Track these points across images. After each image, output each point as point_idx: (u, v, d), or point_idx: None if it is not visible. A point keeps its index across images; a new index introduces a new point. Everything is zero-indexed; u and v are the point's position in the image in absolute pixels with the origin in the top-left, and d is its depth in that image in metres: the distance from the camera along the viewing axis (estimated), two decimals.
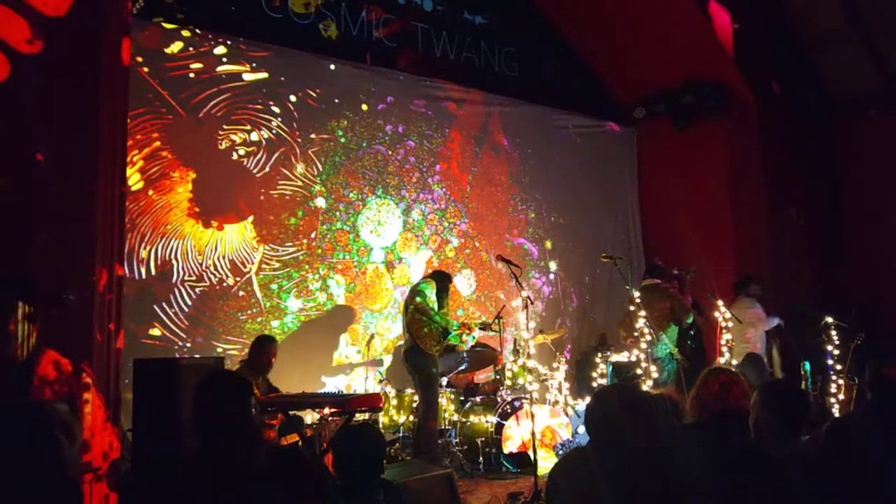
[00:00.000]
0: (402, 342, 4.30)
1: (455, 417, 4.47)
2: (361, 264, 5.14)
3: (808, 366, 5.05)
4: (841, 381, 5.09)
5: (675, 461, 1.45)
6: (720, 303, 4.90)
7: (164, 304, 4.19)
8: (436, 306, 4.17)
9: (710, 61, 5.96)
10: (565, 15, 6.39)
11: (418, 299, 4.04)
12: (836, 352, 5.06)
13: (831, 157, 6.64)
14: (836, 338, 5.07)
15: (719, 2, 5.85)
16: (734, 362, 4.92)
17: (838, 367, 5.09)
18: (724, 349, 4.88)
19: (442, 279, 4.33)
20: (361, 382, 4.74)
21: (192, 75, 4.39)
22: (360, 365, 4.86)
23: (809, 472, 1.66)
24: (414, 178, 5.51)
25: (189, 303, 4.28)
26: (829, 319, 5.04)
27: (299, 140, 4.87)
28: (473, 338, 4.47)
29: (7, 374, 2.84)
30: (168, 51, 4.29)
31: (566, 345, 6.10)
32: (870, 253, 6.19)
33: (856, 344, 5.10)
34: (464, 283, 5.70)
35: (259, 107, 4.68)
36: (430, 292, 4.14)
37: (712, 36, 5.85)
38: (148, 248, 4.17)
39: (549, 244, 6.32)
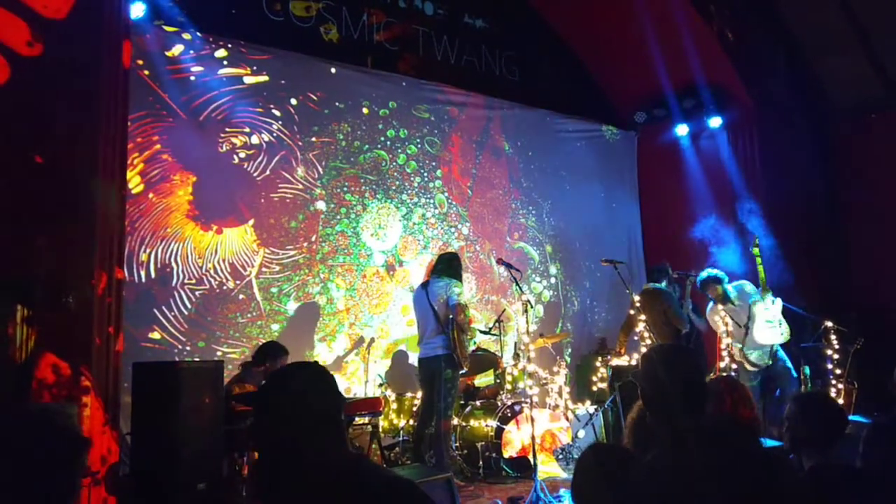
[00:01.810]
0: (424, 341, 4.02)
1: (455, 421, 4.46)
2: (362, 267, 5.13)
3: (807, 370, 5.03)
4: (841, 386, 5.08)
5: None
6: (720, 307, 4.89)
7: (163, 307, 4.18)
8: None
9: (709, 65, 5.97)
10: (565, 19, 6.40)
11: (461, 316, 3.83)
12: (836, 356, 5.05)
13: (831, 161, 6.65)
14: (835, 342, 5.06)
15: (720, 8, 5.87)
16: (734, 366, 4.90)
17: (838, 371, 5.08)
18: (724, 353, 4.87)
19: (460, 272, 4.08)
20: (361, 386, 4.73)
21: (192, 78, 4.39)
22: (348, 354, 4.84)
23: (851, 482, 1.64)
24: (414, 181, 5.51)
25: (189, 306, 4.27)
26: (829, 323, 5.03)
27: (300, 143, 4.87)
28: (474, 342, 4.43)
29: (5, 377, 2.83)
30: (169, 54, 4.30)
31: (566, 349, 6.09)
32: (870, 257, 6.19)
33: (856, 348, 5.09)
34: (464, 286, 5.69)
35: (260, 110, 4.68)
36: (463, 297, 3.97)
37: (712, 40, 5.87)
38: (148, 251, 4.16)
39: (549, 248, 6.32)
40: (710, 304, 4.86)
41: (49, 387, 2.91)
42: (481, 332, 5.04)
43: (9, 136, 3.00)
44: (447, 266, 4.07)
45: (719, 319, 4.82)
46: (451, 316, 3.87)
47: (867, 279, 6.13)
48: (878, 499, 1.61)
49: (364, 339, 5.00)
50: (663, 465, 1.35)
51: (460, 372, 4.01)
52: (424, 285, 4.10)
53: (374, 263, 5.21)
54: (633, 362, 5.12)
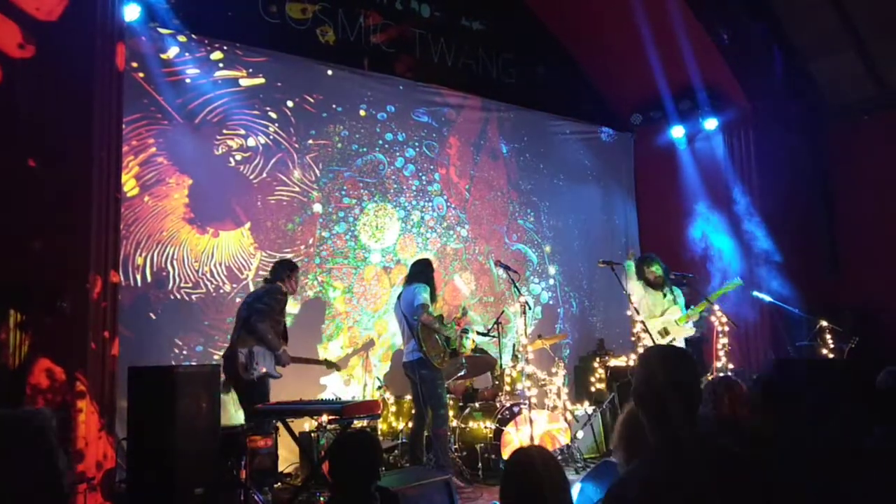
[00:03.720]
0: (403, 348, 4.21)
1: (454, 423, 4.45)
2: (359, 268, 5.11)
3: None
4: None
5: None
6: (717, 307, 4.91)
7: (160, 311, 4.14)
8: (434, 311, 4.12)
9: (705, 67, 6.00)
10: (562, 21, 6.42)
11: (424, 315, 3.93)
12: (831, 355, 5.08)
13: (825, 161, 6.70)
14: (830, 341, 5.09)
15: (716, 9, 5.90)
16: (731, 366, 4.91)
17: None
18: (721, 353, 4.88)
19: (429, 275, 4.15)
20: (360, 388, 4.71)
21: (188, 81, 4.37)
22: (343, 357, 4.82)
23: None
24: (412, 183, 5.50)
25: (185, 309, 4.24)
26: (824, 323, 5.06)
27: (296, 146, 4.85)
28: (469, 339, 4.44)
29: None
30: (164, 56, 4.27)
31: (565, 350, 6.09)
32: (864, 256, 6.22)
33: (850, 347, 5.12)
34: (463, 287, 5.68)
35: (256, 112, 4.66)
36: (429, 299, 4.05)
37: (708, 42, 5.90)
38: (143, 254, 4.13)
39: (548, 249, 6.33)
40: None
41: (43, 392, 2.88)
42: (480, 333, 5.03)
43: (1, 139, 2.97)
44: (417, 272, 4.18)
45: (715, 320, 4.82)
46: (415, 317, 3.91)
47: (861, 278, 6.16)
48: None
49: (363, 341, 4.99)
50: (652, 470, 1.34)
51: (440, 372, 4.01)
52: (399, 295, 4.21)
53: (372, 265, 5.19)
54: (631, 363, 5.12)
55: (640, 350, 4.51)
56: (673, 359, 1.48)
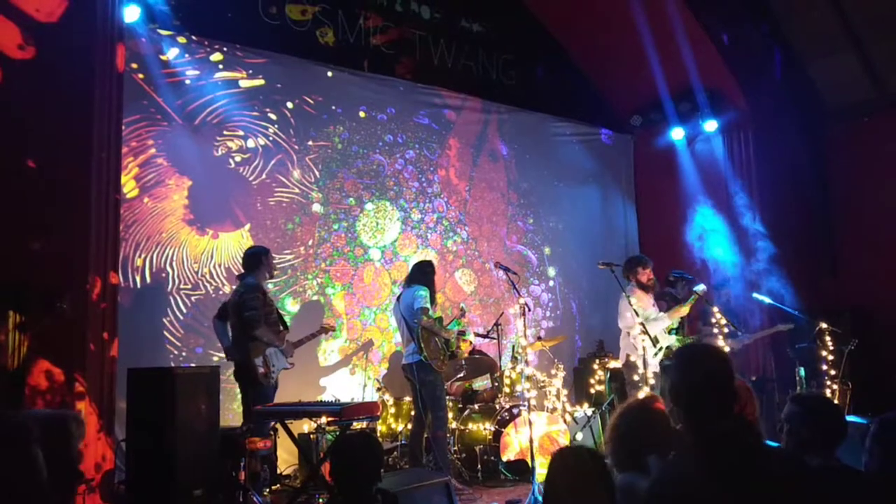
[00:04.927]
0: (403, 350, 4.22)
1: (453, 425, 4.45)
2: (359, 266, 5.11)
3: (802, 371, 5.06)
4: (835, 386, 5.11)
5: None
6: (715, 309, 4.91)
7: (159, 312, 4.14)
8: (434, 313, 4.12)
9: (705, 69, 6.01)
10: (562, 23, 6.42)
11: (424, 318, 3.93)
12: (831, 357, 5.08)
13: (825, 163, 6.71)
14: (829, 343, 5.09)
15: (716, 11, 5.91)
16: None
17: (832, 372, 5.11)
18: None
19: (429, 278, 4.13)
20: (359, 390, 4.71)
21: (188, 82, 4.37)
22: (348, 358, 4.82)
23: (853, 485, 1.64)
24: (412, 184, 5.51)
25: (185, 311, 4.24)
26: (823, 325, 5.06)
27: (296, 147, 4.86)
28: (465, 340, 4.44)
29: None
30: (164, 57, 4.27)
31: (564, 351, 6.09)
32: (863, 258, 6.23)
33: (849, 349, 5.12)
34: (467, 287, 5.68)
35: (255, 114, 4.67)
36: (429, 301, 4.04)
37: (708, 44, 5.91)
38: (143, 255, 4.13)
39: (548, 250, 6.33)
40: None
41: (42, 393, 2.88)
42: (478, 334, 5.03)
43: (1, 139, 2.97)
44: (416, 274, 4.17)
45: (714, 321, 4.82)
46: (416, 320, 3.92)
47: (860, 280, 6.17)
48: (880, 501, 1.60)
49: (363, 340, 4.99)
50: (689, 467, 1.34)
51: (439, 374, 4.02)
52: (399, 296, 4.21)
53: (371, 266, 5.19)
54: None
55: (635, 354, 4.49)
56: (708, 357, 1.49)
